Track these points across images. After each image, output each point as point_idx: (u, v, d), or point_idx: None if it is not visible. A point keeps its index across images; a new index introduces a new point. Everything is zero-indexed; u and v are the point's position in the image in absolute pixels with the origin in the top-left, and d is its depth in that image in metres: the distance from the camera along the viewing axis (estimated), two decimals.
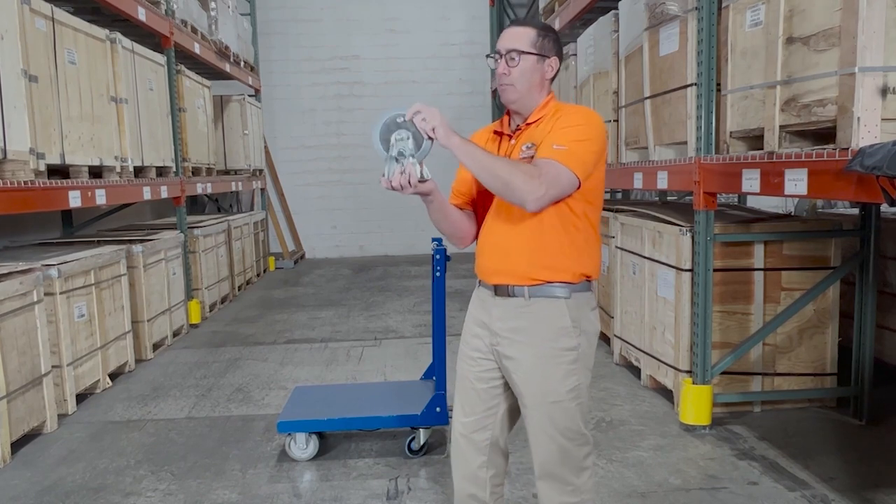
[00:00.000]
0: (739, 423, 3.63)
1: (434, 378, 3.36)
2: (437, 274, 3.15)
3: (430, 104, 1.83)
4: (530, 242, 1.97)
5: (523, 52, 1.99)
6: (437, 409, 3.25)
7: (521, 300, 1.99)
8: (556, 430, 2.00)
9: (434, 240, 3.22)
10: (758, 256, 3.68)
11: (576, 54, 5.73)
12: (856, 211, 4.17)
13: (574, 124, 1.94)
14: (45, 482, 3.16)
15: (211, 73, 8.00)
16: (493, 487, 2.19)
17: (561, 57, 2.08)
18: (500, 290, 2.03)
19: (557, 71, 2.07)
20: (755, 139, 3.05)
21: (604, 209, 5.14)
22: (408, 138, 1.84)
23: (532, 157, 1.94)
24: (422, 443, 3.30)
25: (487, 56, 2.08)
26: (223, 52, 7.90)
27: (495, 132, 2.15)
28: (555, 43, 2.04)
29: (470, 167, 1.87)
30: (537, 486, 2.11)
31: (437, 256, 3.13)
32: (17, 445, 3.48)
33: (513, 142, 2.06)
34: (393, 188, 1.85)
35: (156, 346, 5.34)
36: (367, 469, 3.21)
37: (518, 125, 2.07)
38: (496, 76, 2.05)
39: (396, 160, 1.82)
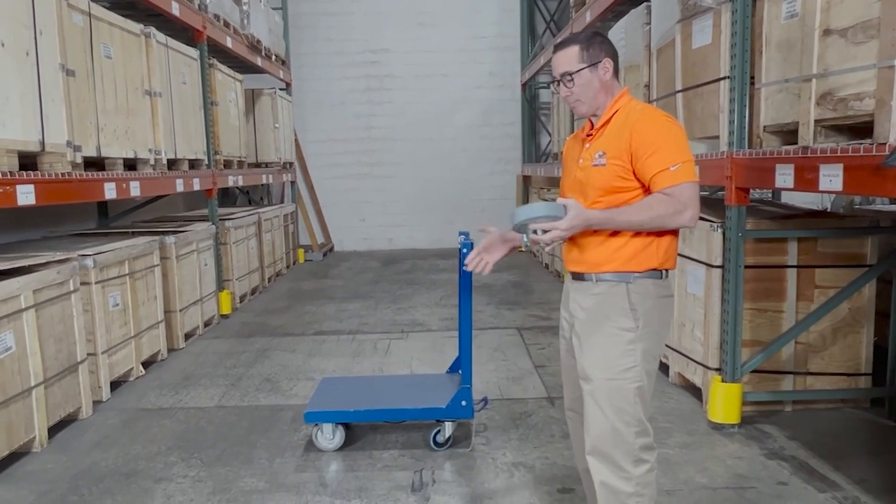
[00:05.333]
0: (769, 422, 3.57)
1: (460, 371, 3.37)
2: (464, 268, 3.15)
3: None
4: (600, 238, 2.09)
5: (574, 73, 2.12)
6: (463, 403, 3.25)
7: (591, 283, 2.14)
8: (610, 408, 2.07)
9: (461, 233, 3.22)
10: (791, 253, 3.61)
11: None
12: (895, 207, 4.06)
13: (664, 136, 2.01)
14: (80, 466, 3.25)
15: (243, 66, 8.09)
16: None
17: (612, 54, 2.16)
18: (576, 275, 2.20)
19: (616, 67, 2.16)
20: (789, 134, 2.99)
21: None
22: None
23: (604, 165, 2.07)
24: (447, 436, 3.31)
25: (549, 84, 2.25)
26: (255, 46, 7.98)
27: (580, 137, 2.27)
28: (601, 45, 2.13)
29: (624, 230, 2.05)
30: (588, 462, 2.14)
31: (464, 250, 3.13)
32: (53, 430, 3.58)
33: (587, 146, 2.17)
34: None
35: (187, 336, 5.44)
36: (393, 460, 3.23)
37: (591, 129, 2.19)
38: (563, 99, 2.21)
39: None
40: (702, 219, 3.79)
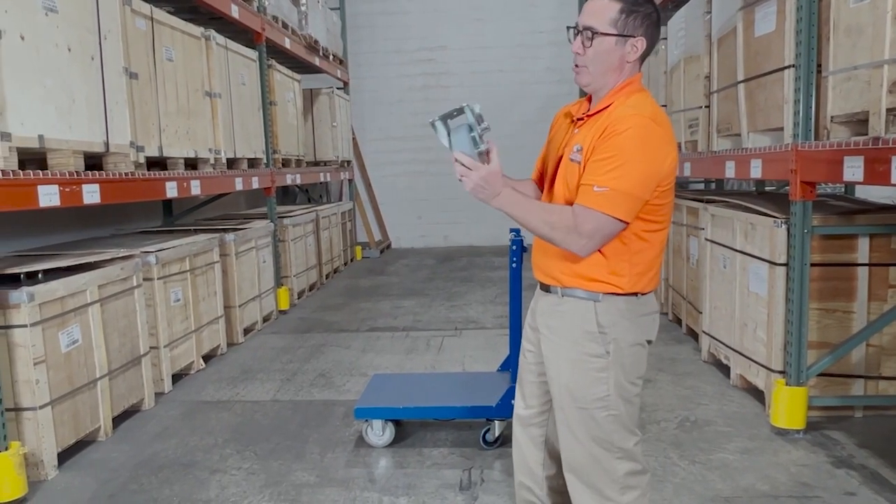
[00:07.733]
0: (837, 428, 3.39)
1: (510, 370, 3.33)
2: (514, 265, 3.11)
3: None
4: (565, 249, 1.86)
5: (598, 34, 1.78)
6: (512, 402, 3.20)
7: (556, 297, 1.93)
8: (585, 436, 1.89)
9: (512, 230, 3.18)
10: (862, 251, 3.42)
11: (666, 38, 5.51)
12: None
13: (620, 152, 1.71)
14: (142, 456, 3.36)
15: (301, 66, 8.22)
16: (551, 490, 2.13)
17: (651, 36, 1.81)
18: (542, 285, 2.01)
19: (645, 51, 1.82)
20: (859, 123, 2.83)
21: (694, 200, 4.93)
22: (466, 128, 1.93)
23: (578, 163, 1.81)
24: (496, 435, 3.28)
25: (568, 28, 1.89)
26: (313, 47, 8.11)
27: (572, 116, 1.99)
28: (644, 19, 1.79)
29: (517, 222, 1.86)
30: (566, 477, 1.97)
31: (514, 247, 3.09)
32: (117, 420, 3.72)
33: (576, 131, 1.91)
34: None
35: (246, 331, 5.57)
36: (442, 458, 3.22)
37: (586, 112, 1.92)
38: (572, 52, 1.88)
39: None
40: (765, 214, 3.64)
